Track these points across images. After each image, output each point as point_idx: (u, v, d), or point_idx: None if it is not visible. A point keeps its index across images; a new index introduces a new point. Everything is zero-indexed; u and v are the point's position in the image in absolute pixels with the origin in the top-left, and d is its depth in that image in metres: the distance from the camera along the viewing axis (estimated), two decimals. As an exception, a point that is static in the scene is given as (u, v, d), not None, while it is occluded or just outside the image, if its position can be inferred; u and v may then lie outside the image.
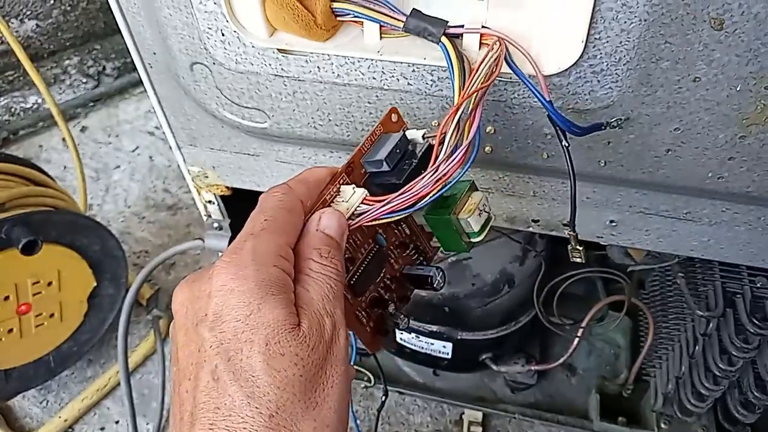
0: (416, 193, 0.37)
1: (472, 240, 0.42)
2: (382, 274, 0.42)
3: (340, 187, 0.39)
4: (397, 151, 0.40)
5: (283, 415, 0.28)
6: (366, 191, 0.38)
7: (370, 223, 0.38)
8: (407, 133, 0.42)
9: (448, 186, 0.38)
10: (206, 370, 0.29)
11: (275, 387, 0.28)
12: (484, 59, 0.40)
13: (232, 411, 0.28)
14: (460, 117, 0.38)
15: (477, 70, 0.40)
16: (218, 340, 0.29)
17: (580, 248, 0.47)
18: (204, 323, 0.30)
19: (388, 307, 0.42)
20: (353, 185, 0.39)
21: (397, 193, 0.37)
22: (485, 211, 0.42)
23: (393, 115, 0.43)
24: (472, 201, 0.42)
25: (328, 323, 0.31)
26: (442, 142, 0.39)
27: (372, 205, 0.38)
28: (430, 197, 0.37)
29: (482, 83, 0.40)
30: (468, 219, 0.41)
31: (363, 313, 0.41)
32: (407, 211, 0.38)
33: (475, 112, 0.39)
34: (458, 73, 0.42)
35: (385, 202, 0.37)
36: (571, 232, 0.47)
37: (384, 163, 0.40)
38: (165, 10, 0.49)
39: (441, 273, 0.42)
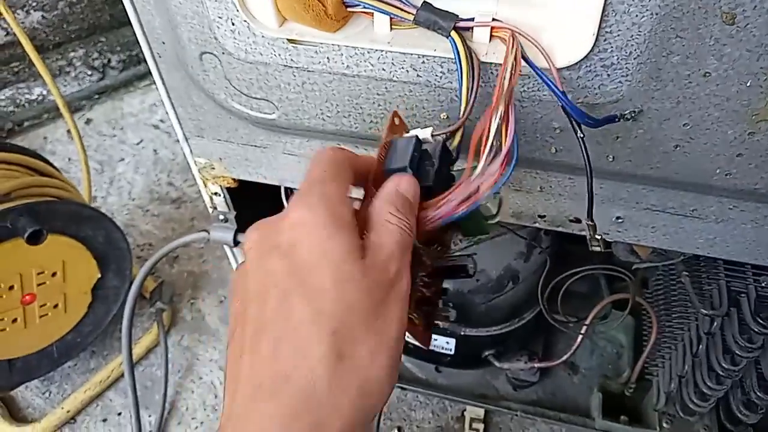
0: (466, 197, 0.37)
1: (490, 222, 0.42)
2: (420, 274, 0.42)
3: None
4: (416, 154, 0.40)
5: (346, 334, 0.29)
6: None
7: (431, 227, 0.38)
8: (417, 133, 0.42)
9: (497, 187, 0.37)
10: (277, 291, 0.31)
11: (341, 307, 0.30)
12: (508, 54, 0.40)
13: (300, 325, 0.29)
14: (500, 116, 0.38)
15: (505, 67, 0.40)
16: (291, 264, 0.31)
17: (600, 237, 0.47)
18: (278, 251, 0.32)
19: (437, 303, 0.41)
20: None
21: (448, 198, 0.37)
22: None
23: (395, 119, 0.43)
24: None
25: (393, 266, 0.32)
26: (482, 146, 0.38)
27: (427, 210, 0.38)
28: (479, 201, 0.37)
29: (510, 80, 0.39)
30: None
31: (413, 315, 0.41)
32: (463, 213, 0.37)
33: (509, 111, 0.39)
34: (466, 68, 0.42)
35: (440, 205, 0.37)
36: (590, 222, 0.47)
37: (408, 169, 0.40)
38: (175, -1, 0.49)
39: (472, 260, 0.42)
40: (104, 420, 1.13)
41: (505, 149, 0.37)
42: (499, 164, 0.37)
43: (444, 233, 0.45)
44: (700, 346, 0.76)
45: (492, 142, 0.38)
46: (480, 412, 1.06)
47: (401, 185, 0.36)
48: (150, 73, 0.59)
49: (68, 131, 1.62)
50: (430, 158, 0.41)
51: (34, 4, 1.57)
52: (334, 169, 0.36)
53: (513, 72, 0.40)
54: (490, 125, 0.38)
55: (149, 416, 1.12)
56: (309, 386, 0.28)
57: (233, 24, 0.49)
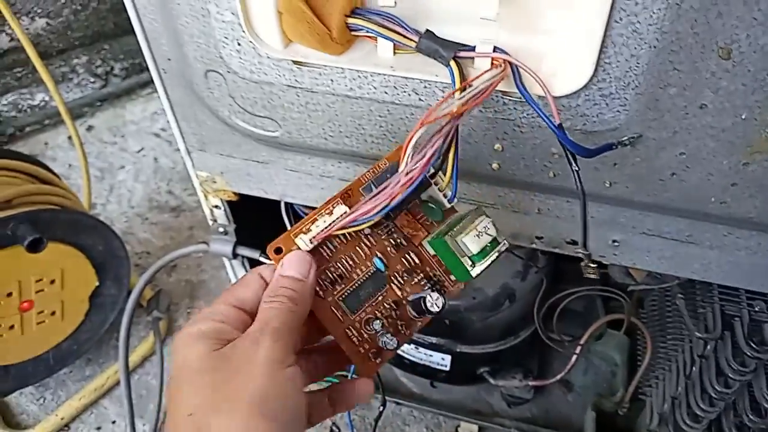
0: (374, 203, 0.40)
1: (476, 264, 0.43)
2: (381, 298, 0.43)
3: (333, 209, 0.42)
4: (387, 175, 0.43)
5: (199, 415, 0.34)
6: (347, 209, 0.41)
7: (339, 231, 0.41)
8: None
9: (392, 205, 0.41)
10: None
11: (191, 395, 0.35)
12: (480, 76, 0.42)
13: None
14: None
15: (466, 88, 0.42)
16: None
17: (594, 266, 0.48)
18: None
19: (374, 323, 0.42)
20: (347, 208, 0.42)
21: (362, 203, 0.41)
22: (487, 234, 0.43)
23: (400, 152, 0.44)
24: (473, 224, 0.43)
25: (247, 343, 0.36)
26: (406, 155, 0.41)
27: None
28: (378, 212, 0.41)
29: (472, 100, 0.41)
30: (464, 239, 0.42)
31: (355, 332, 0.42)
32: (369, 218, 0.41)
33: (448, 131, 0.41)
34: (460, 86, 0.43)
35: (351, 211, 0.41)
36: (584, 252, 0.48)
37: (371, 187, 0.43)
38: (182, 18, 0.50)
39: (437, 297, 0.42)
40: (98, 428, 1.13)
41: (404, 179, 0.41)
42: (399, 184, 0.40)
43: (446, 273, 0.46)
44: (694, 368, 0.77)
45: (407, 158, 0.41)
46: (474, 429, 1.06)
47: (283, 267, 0.40)
48: (152, 81, 0.59)
49: (69, 137, 1.62)
50: None
51: (39, 10, 1.58)
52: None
53: (477, 96, 0.41)
54: (408, 141, 0.41)
55: (143, 425, 1.11)
56: None
57: (239, 44, 0.49)
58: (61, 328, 1.03)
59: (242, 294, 0.40)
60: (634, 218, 0.56)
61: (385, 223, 0.45)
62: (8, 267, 0.89)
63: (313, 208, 0.43)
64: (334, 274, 0.43)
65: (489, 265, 0.43)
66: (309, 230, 0.41)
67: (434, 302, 0.42)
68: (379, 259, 0.44)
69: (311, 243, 0.41)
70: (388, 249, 0.45)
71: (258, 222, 0.77)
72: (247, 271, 0.86)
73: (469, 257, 0.43)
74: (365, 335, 0.42)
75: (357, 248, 0.44)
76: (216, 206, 0.75)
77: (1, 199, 0.88)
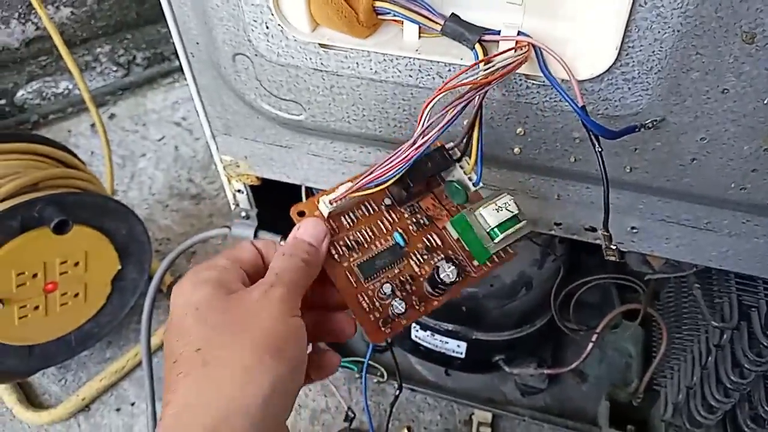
0: (389, 164, 0.42)
1: (494, 240, 0.43)
2: (397, 271, 0.44)
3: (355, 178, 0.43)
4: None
5: (206, 348, 0.35)
6: (351, 183, 0.43)
7: (359, 193, 0.42)
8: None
9: (406, 166, 0.42)
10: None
11: (200, 330, 0.36)
12: (500, 54, 0.42)
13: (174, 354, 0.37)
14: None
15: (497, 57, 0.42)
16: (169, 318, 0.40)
17: (615, 247, 0.49)
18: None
19: (384, 286, 0.43)
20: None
21: (378, 164, 0.42)
22: (507, 209, 0.43)
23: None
24: (493, 200, 0.44)
25: (262, 289, 0.38)
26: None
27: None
28: (393, 172, 0.42)
29: (484, 77, 0.42)
30: (482, 212, 0.43)
31: (367, 299, 0.43)
32: (387, 177, 0.42)
33: (469, 99, 0.42)
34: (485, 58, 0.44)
35: (369, 172, 0.42)
36: (605, 233, 0.48)
37: None
38: (213, 1, 0.51)
39: (451, 267, 0.43)
40: (118, 409, 1.15)
41: (419, 141, 0.41)
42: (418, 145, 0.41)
43: (469, 258, 0.46)
44: (709, 359, 0.77)
45: (424, 120, 0.42)
46: (488, 416, 1.07)
47: (299, 230, 0.42)
48: (173, 71, 0.61)
49: (92, 125, 1.65)
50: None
51: (65, 0, 1.61)
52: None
53: (494, 72, 0.42)
54: (427, 105, 0.42)
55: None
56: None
57: (267, 27, 0.50)
58: (84, 311, 1.05)
59: (240, 255, 0.42)
60: (652, 205, 0.56)
61: (409, 202, 0.46)
62: (34, 248, 0.91)
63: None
64: (352, 241, 0.44)
65: (508, 242, 0.43)
66: (333, 192, 0.43)
67: (447, 273, 0.42)
68: (400, 234, 0.45)
69: (331, 204, 0.42)
70: (410, 227, 0.46)
71: (279, 207, 0.78)
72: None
73: (487, 232, 0.43)
74: (377, 303, 0.43)
75: (378, 221, 0.45)
76: (239, 191, 0.76)
77: (29, 182, 0.90)
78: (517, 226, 0.44)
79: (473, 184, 0.47)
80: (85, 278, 1.01)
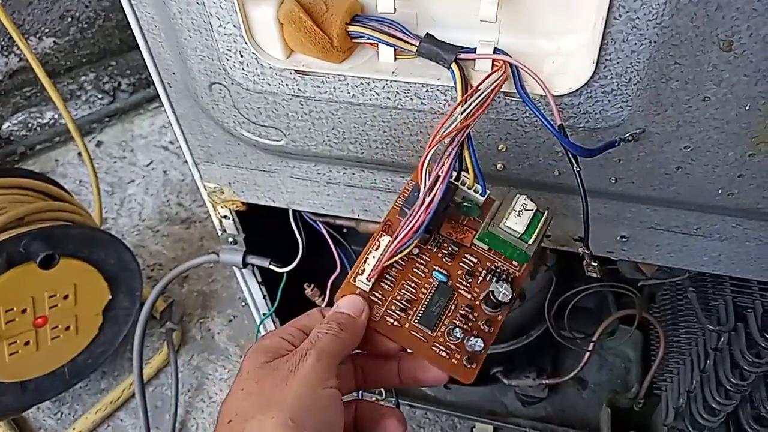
0: (408, 228, 0.42)
1: (528, 242, 0.43)
2: (453, 307, 0.44)
3: (379, 242, 0.44)
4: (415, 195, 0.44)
5: (239, 415, 0.36)
6: (390, 238, 0.43)
7: (390, 261, 0.43)
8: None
9: (426, 224, 0.42)
10: None
11: (238, 397, 0.38)
12: (482, 83, 0.42)
13: None
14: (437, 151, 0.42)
15: (474, 94, 0.42)
16: None
17: (595, 264, 0.48)
18: None
19: (455, 331, 0.43)
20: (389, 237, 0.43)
21: (399, 229, 0.42)
22: (526, 210, 0.43)
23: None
24: (510, 206, 0.44)
25: (296, 357, 0.38)
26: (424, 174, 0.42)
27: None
28: (415, 236, 0.42)
29: (476, 109, 0.41)
30: (507, 224, 0.43)
31: (442, 347, 0.43)
32: (410, 242, 0.42)
33: (459, 141, 0.42)
34: (461, 98, 0.43)
35: (392, 240, 0.42)
36: (586, 251, 0.48)
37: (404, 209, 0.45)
38: (185, 33, 0.51)
39: (504, 286, 0.43)
40: (116, 441, 1.14)
41: (427, 200, 0.42)
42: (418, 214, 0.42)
43: (508, 261, 0.46)
44: (708, 362, 0.76)
45: (425, 179, 0.42)
46: (489, 429, 1.06)
47: (338, 306, 0.43)
48: (159, 95, 0.60)
49: (79, 154, 1.64)
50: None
51: (47, 30, 1.60)
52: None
53: (485, 100, 0.42)
54: (422, 164, 0.42)
55: (160, 436, 1.12)
56: None
57: (242, 56, 0.50)
58: (76, 343, 1.04)
59: (305, 321, 0.43)
60: (641, 213, 0.55)
61: (431, 237, 0.46)
62: (22, 284, 0.90)
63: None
64: (402, 301, 0.44)
65: (541, 238, 0.43)
66: (364, 270, 0.43)
67: (503, 292, 0.42)
68: (438, 271, 0.45)
69: (369, 281, 0.43)
70: (443, 260, 0.46)
71: (267, 230, 0.78)
72: (258, 279, 0.86)
73: (519, 238, 0.43)
74: (452, 345, 0.43)
75: (414, 269, 0.45)
76: (225, 216, 0.75)
77: (14, 217, 0.89)
78: (542, 219, 0.44)
79: (480, 195, 0.47)
80: (76, 310, 1.00)
